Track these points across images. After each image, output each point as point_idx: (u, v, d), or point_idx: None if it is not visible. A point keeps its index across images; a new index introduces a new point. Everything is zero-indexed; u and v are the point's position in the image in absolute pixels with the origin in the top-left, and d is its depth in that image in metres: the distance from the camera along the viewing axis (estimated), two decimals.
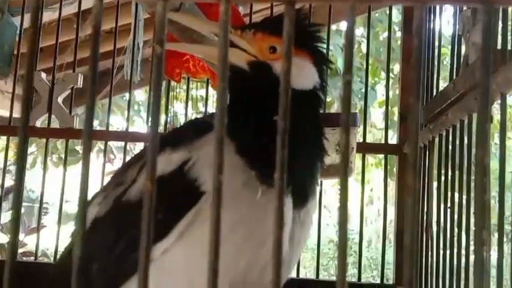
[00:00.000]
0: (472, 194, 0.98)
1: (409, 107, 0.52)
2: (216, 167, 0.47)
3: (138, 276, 0.44)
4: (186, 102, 2.06)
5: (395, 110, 3.83)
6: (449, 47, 2.05)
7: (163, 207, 0.83)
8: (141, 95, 6.19)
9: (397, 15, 4.24)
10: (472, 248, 0.98)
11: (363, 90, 4.28)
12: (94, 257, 0.90)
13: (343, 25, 4.12)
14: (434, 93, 1.35)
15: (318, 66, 0.96)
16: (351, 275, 6.55)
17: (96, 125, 5.15)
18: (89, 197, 0.94)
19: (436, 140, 1.20)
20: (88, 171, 0.44)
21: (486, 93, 0.48)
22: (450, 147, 1.11)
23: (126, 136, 1.96)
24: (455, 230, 1.08)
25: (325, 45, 1.00)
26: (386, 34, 5.98)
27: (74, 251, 0.44)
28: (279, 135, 0.46)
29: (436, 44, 1.46)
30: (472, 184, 0.97)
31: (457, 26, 1.16)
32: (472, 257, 1.06)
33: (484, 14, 0.48)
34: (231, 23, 0.97)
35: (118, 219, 0.92)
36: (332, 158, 1.34)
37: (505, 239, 0.83)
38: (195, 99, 4.10)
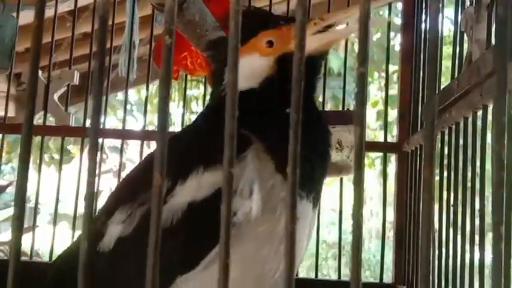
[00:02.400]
0: (476, 190, 0.98)
1: (426, 101, 0.51)
2: (226, 160, 0.46)
3: None
4: (184, 102, 2.04)
5: (389, 109, 3.84)
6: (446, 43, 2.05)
7: (192, 237, 0.81)
8: (133, 94, 6.17)
9: (393, 14, 4.24)
10: (476, 246, 0.97)
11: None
12: (117, 276, 0.87)
13: None
14: (437, 90, 1.35)
15: None
16: (345, 275, 6.55)
17: (88, 124, 5.11)
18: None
19: (439, 137, 1.19)
20: (94, 182, 0.43)
21: (503, 87, 0.47)
22: (453, 144, 1.10)
23: (122, 134, 1.94)
24: (459, 228, 1.07)
25: None
26: (379, 35, 6.00)
27: (81, 260, 0.43)
28: (291, 128, 0.45)
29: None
30: (477, 180, 0.97)
31: (459, 23, 1.15)
32: (467, 257, 1.05)
33: (500, 5, 0.48)
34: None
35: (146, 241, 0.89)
36: (332, 156, 1.33)
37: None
38: (188, 99, 4.10)
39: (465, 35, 1.11)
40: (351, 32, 0.94)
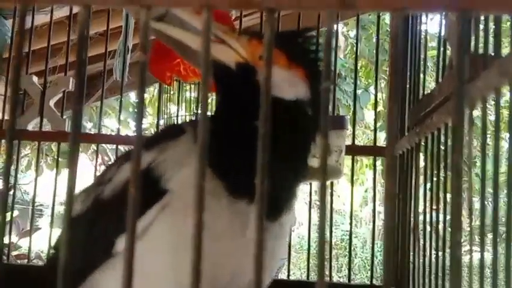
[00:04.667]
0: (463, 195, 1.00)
1: (388, 113, 0.54)
2: (199, 172, 0.48)
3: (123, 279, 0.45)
4: (178, 104, 2.07)
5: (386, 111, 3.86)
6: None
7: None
8: (134, 97, 6.20)
9: (389, 17, 4.25)
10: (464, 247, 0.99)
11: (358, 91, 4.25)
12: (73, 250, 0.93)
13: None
14: (421, 95, 1.37)
15: (310, 81, 0.94)
16: (345, 275, 6.59)
17: (91, 127, 5.16)
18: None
19: (422, 142, 1.22)
20: (75, 177, 0.45)
21: (460, 100, 0.49)
22: (435, 149, 1.12)
23: (117, 139, 1.97)
24: (440, 229, 1.09)
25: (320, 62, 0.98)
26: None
27: (61, 253, 0.45)
28: (260, 140, 0.47)
29: (422, 45, 1.48)
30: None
31: (442, 29, 1.17)
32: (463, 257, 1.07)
33: (461, 22, 0.50)
34: (224, 26, 0.97)
35: (92, 215, 0.96)
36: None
37: (497, 239, 0.84)
38: (188, 101, 4.11)
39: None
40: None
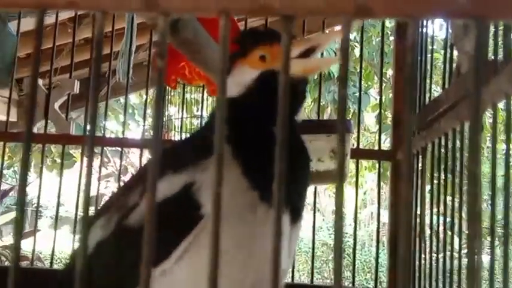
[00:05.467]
0: (464, 199, 1.00)
1: (403, 122, 0.54)
2: (215, 180, 0.48)
3: None
4: (182, 106, 2.07)
5: (388, 113, 3.87)
6: (443, 51, 2.07)
7: (165, 230, 0.84)
8: (135, 98, 6.19)
9: (390, 20, 4.26)
10: (464, 251, 0.99)
11: (357, 94, 4.28)
12: (96, 277, 0.90)
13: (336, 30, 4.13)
14: (427, 98, 1.37)
15: None
16: (345, 278, 6.58)
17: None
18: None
19: (429, 146, 1.22)
20: (89, 193, 0.46)
21: (477, 109, 0.49)
22: (442, 154, 1.13)
23: (121, 142, 1.97)
24: (448, 233, 1.10)
25: None
26: (379, 38, 6.02)
27: (77, 267, 0.45)
28: (277, 147, 0.47)
29: (429, 49, 1.48)
30: (464, 188, 0.99)
31: (449, 34, 1.18)
32: (464, 260, 1.07)
33: (476, 29, 0.50)
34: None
35: (120, 242, 0.92)
36: (326, 164, 1.35)
37: (497, 242, 0.85)
38: (189, 103, 4.11)
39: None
40: (333, 62, 0.97)
